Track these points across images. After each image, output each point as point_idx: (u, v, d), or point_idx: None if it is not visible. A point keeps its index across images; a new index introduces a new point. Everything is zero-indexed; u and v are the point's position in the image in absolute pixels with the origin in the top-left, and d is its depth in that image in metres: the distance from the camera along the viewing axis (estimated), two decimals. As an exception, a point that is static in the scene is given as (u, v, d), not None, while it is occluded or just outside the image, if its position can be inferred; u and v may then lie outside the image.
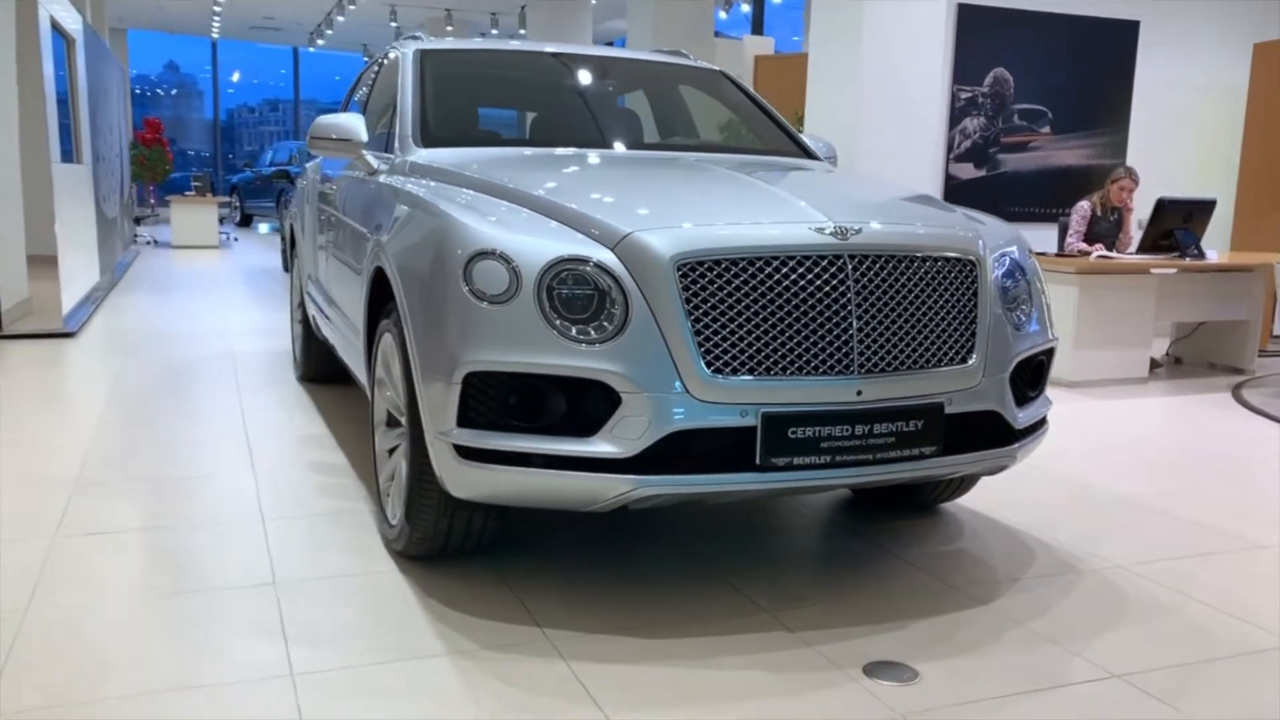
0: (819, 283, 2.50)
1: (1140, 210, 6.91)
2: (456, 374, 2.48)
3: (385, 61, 4.47)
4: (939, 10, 6.82)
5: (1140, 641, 2.59)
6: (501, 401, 2.49)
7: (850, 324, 2.51)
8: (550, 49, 4.14)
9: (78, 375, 5.63)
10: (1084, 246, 6.66)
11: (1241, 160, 8.00)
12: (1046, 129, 7.90)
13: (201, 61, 28.74)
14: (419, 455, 2.70)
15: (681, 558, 3.07)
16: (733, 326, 2.44)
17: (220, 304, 8.63)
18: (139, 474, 3.75)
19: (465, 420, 2.51)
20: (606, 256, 2.48)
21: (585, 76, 4.05)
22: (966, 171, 7.66)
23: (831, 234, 2.54)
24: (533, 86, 4.03)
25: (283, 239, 11.64)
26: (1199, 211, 6.41)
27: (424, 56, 3.88)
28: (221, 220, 16.01)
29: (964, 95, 7.56)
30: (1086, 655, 2.49)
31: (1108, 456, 4.47)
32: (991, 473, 2.87)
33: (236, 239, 16.22)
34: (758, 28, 17.84)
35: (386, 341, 3.05)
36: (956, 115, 7.55)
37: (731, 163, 3.44)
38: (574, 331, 2.43)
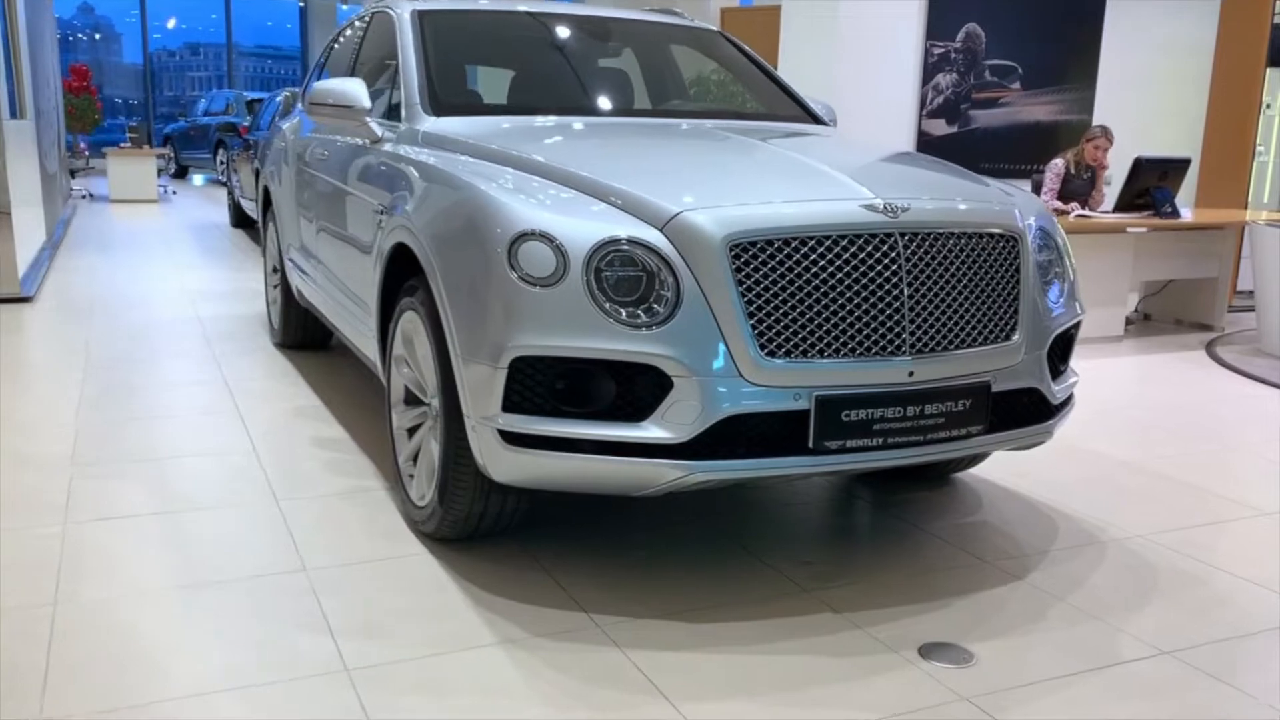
0: (871, 262, 2.46)
1: (1113, 168, 6.98)
2: (503, 359, 2.40)
3: (370, 21, 4.29)
4: (916, -35, 6.77)
5: (1178, 615, 2.62)
6: (549, 386, 2.42)
7: (902, 303, 2.48)
8: (551, 9, 4.01)
9: (44, 344, 5.41)
10: (1058, 205, 6.71)
11: (1207, 117, 8.11)
12: (1017, 85, 7.91)
13: (119, 3, 27.57)
14: (454, 438, 2.63)
15: (705, 533, 3.05)
16: (785, 308, 2.39)
17: (174, 264, 8.35)
18: (135, 453, 3.62)
19: (511, 405, 2.44)
20: (655, 237, 2.41)
21: (587, 39, 3.93)
22: (939, 128, 7.65)
23: (882, 211, 2.50)
24: (538, 50, 3.89)
25: (230, 192, 11.29)
26: (1174, 170, 6.49)
27: (423, 18, 3.72)
28: (159, 173, 15.48)
29: (937, 51, 7.52)
30: (1130, 631, 2.52)
31: (1104, 421, 4.52)
32: (1026, 448, 2.87)
33: (175, 192, 15.71)
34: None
35: (408, 320, 2.95)
36: (929, 71, 7.52)
37: (753, 131, 3.36)
38: (624, 314, 2.36)
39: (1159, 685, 2.28)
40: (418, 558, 2.81)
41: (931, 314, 2.52)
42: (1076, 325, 3.02)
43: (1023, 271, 2.72)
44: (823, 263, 2.42)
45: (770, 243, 2.40)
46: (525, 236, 2.42)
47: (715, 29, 4.32)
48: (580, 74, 3.84)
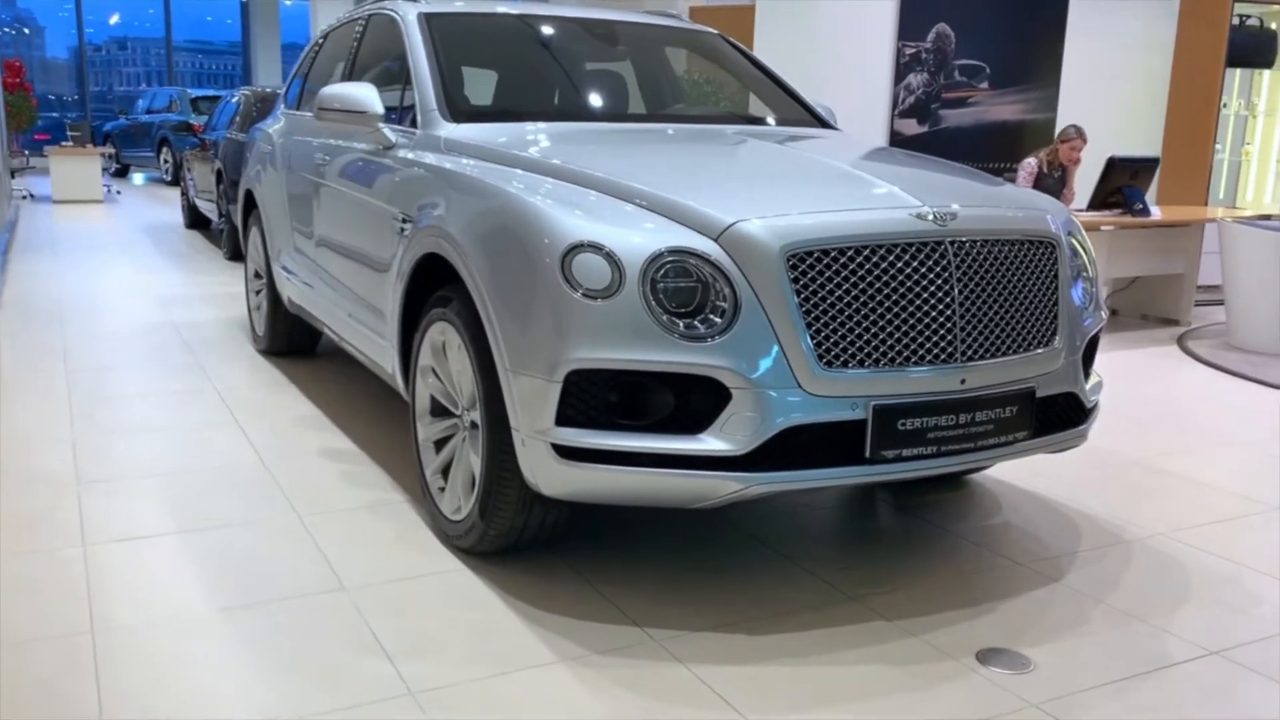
0: (924, 270, 2.46)
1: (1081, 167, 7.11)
2: (558, 372, 2.37)
3: (367, 23, 4.21)
4: (891, -34, 6.83)
5: (1217, 614, 2.67)
6: (603, 399, 2.39)
7: (954, 311, 2.49)
8: (556, 12, 3.97)
9: (19, 354, 5.22)
10: (1033, 203, 6.81)
11: (1167, 116, 8.29)
12: (985, 84, 8.02)
13: (46, -3, 26.71)
14: (498, 451, 2.59)
15: (736, 538, 3.04)
16: (842, 318, 2.39)
17: (136, 267, 8.13)
18: (140, 468, 3.51)
19: (564, 419, 2.40)
20: (709, 247, 2.39)
21: (596, 42, 3.90)
22: (910, 127, 7.73)
23: (931, 220, 2.50)
24: (548, 53, 3.85)
25: (183, 193, 11.02)
26: (1144, 169, 6.63)
27: (430, 20, 3.65)
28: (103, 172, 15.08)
29: (908, 51, 7.60)
30: (1175, 631, 2.57)
31: (1099, 418, 4.59)
32: (1059, 451, 2.91)
33: (119, 192, 15.31)
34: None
35: (438, 331, 2.90)
36: (901, 71, 7.60)
37: (770, 136, 3.36)
38: (681, 326, 2.34)
39: (1214, 686, 2.32)
40: (457, 573, 2.76)
41: (980, 321, 2.53)
42: (1100, 329, 3.07)
43: (1061, 277, 2.75)
44: (877, 272, 2.42)
45: (826, 252, 2.39)
46: (579, 248, 2.39)
47: (715, 31, 4.31)
48: (593, 79, 3.81)
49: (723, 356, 2.33)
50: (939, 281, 2.48)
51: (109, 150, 16.39)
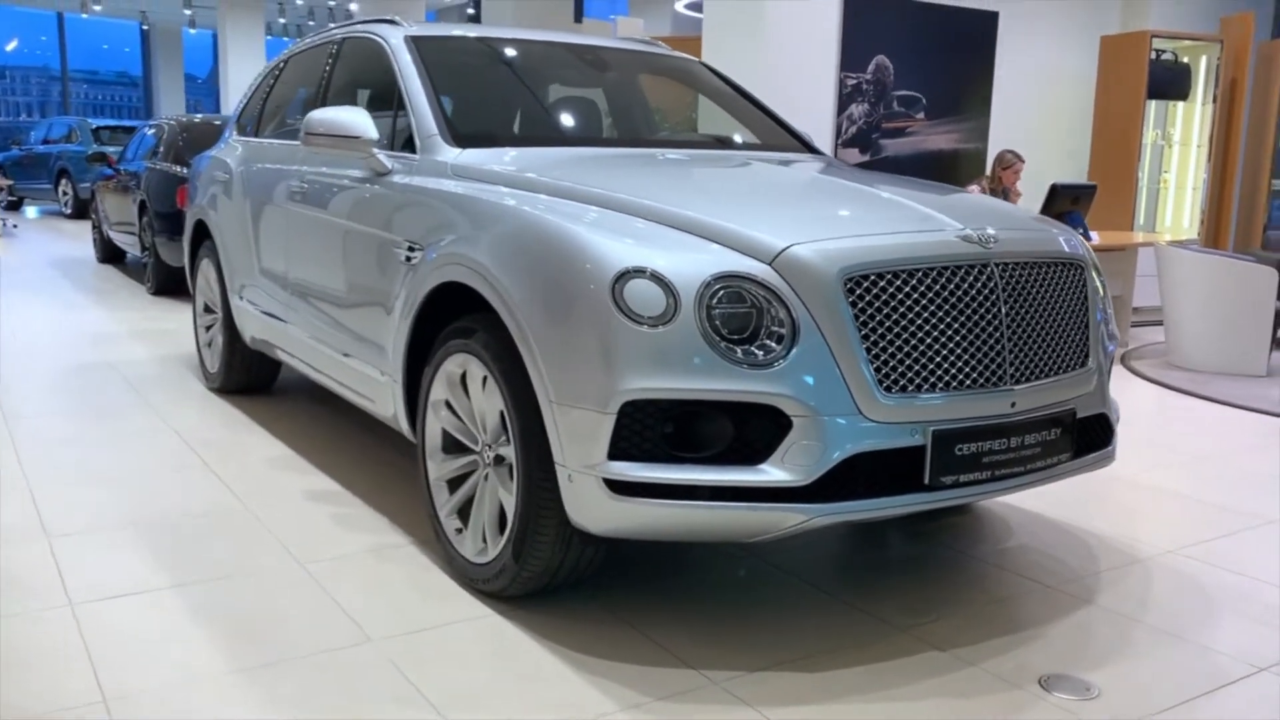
0: (974, 293, 2.44)
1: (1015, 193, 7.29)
2: (612, 404, 2.26)
3: (341, 46, 4.06)
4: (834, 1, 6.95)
5: (1251, 629, 2.69)
6: (658, 431, 2.30)
7: (1002, 334, 2.47)
8: (542, 37, 3.88)
9: (-58, 397, 4.87)
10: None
11: (1092, 145, 8.57)
12: (921, 114, 8.18)
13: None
14: (535, 488, 2.47)
15: (765, 571, 2.97)
16: (899, 342, 2.35)
17: (57, 304, 7.71)
18: (112, 518, 3.27)
19: (617, 452, 2.30)
20: (764, 272, 2.32)
21: (587, 67, 3.82)
22: (853, 157, 7.82)
23: (977, 242, 2.48)
24: (542, 78, 3.76)
25: (95, 226, 10.53)
26: (1084, 195, 6.82)
27: (419, 44, 3.53)
28: (-2, 205, 14.40)
29: (850, 82, 7.71)
30: (1220, 649, 2.57)
31: (1071, 437, 4.66)
32: (1089, 472, 2.91)
33: (15, 225, 14.59)
34: (579, 6, 17.60)
35: (455, 363, 2.77)
36: (843, 101, 7.70)
37: (779, 161, 3.33)
38: (739, 353, 2.27)
39: (1272, 704, 2.32)
40: (486, 619, 2.62)
41: (1026, 343, 2.52)
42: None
43: (1090, 298, 2.76)
44: (931, 295, 2.39)
45: (881, 275, 2.35)
46: (630, 274, 2.30)
47: (696, 59, 4.28)
48: (585, 104, 3.73)
49: (783, 383, 2.26)
50: (987, 304, 2.46)
51: (6, 182, 15.61)
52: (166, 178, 8.10)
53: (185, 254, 5.32)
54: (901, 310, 2.36)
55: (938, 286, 2.40)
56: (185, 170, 7.91)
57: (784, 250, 2.34)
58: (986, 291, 2.46)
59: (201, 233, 5.01)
